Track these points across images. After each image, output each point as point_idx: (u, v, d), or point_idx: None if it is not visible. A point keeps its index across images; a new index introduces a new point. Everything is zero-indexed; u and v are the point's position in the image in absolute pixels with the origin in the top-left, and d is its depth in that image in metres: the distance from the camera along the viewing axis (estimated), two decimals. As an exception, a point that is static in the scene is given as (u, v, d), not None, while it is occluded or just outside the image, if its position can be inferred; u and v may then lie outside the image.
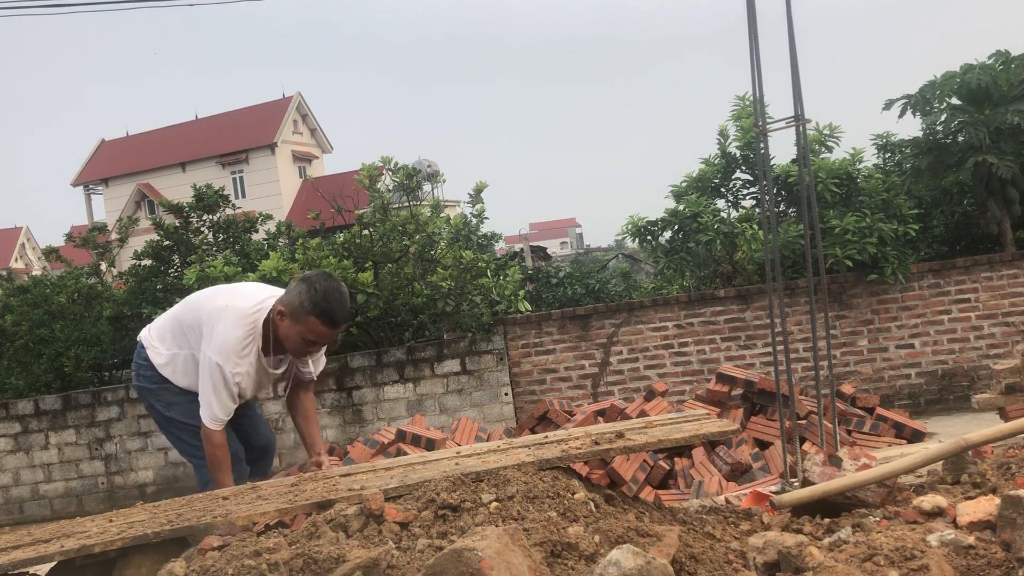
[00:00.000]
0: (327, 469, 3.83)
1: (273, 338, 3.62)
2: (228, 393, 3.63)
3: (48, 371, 10.21)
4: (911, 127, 36.83)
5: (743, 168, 9.25)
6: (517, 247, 17.56)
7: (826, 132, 9.06)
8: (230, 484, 3.61)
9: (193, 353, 3.82)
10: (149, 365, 3.97)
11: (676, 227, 9.23)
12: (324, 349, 3.93)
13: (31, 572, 2.71)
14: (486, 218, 9.64)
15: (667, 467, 5.36)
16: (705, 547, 2.47)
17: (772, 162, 6.76)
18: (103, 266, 12.64)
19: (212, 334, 3.67)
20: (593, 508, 2.50)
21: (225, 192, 11.72)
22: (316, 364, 3.98)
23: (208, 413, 3.68)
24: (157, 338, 4.01)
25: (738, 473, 5.25)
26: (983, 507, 2.41)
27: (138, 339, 4.12)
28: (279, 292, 3.79)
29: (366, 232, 9.22)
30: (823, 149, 9.07)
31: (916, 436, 6.07)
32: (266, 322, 3.62)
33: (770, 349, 8.52)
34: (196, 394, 3.76)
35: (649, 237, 9.50)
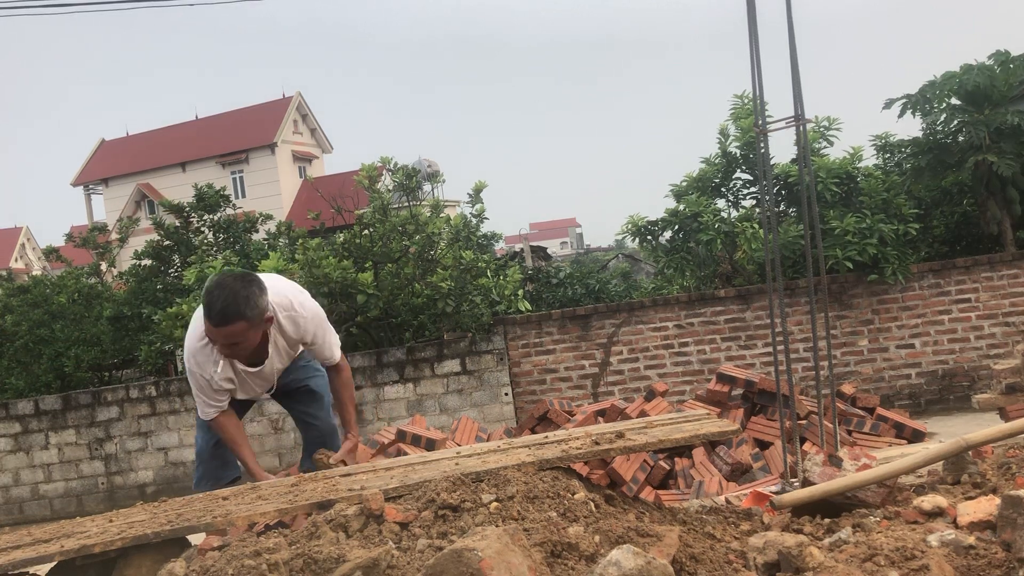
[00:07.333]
0: (350, 453, 3.82)
1: None
2: (203, 393, 3.61)
3: (48, 371, 10.22)
4: (911, 127, 36.83)
5: (743, 168, 9.25)
6: (517, 247, 17.55)
7: (824, 125, 9.06)
8: (248, 458, 3.65)
9: None
10: None
11: (676, 227, 9.24)
12: (311, 333, 3.65)
13: (31, 572, 2.71)
14: (486, 218, 9.66)
15: (667, 467, 5.36)
16: (705, 547, 2.47)
17: (772, 162, 6.76)
18: (103, 266, 12.66)
19: None
20: (593, 508, 2.50)
21: (225, 192, 11.74)
22: (319, 350, 3.73)
23: (198, 408, 3.76)
24: None
25: (738, 473, 5.24)
26: (983, 507, 2.41)
27: None
28: (278, 286, 3.67)
29: (366, 232, 9.22)
30: (823, 143, 9.07)
31: (916, 436, 6.06)
32: None
33: (770, 349, 8.52)
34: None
35: (649, 237, 9.51)
